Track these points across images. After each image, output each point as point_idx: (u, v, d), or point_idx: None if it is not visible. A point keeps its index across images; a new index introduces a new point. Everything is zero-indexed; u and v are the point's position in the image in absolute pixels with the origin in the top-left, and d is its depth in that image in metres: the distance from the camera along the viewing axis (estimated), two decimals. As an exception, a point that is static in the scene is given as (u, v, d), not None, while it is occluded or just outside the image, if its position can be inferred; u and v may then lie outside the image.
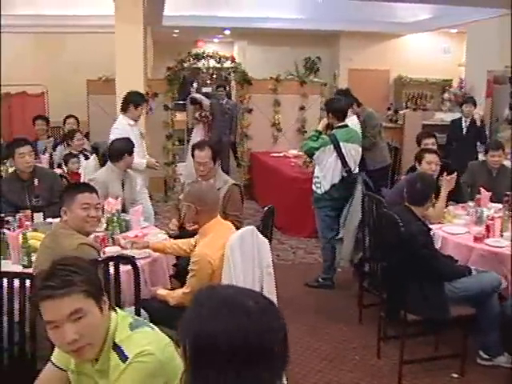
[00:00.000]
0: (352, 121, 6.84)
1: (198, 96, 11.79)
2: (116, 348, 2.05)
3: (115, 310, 2.16)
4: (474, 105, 8.99)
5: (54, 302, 1.95)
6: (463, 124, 8.93)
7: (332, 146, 5.77)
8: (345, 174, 5.82)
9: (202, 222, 3.88)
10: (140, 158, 6.13)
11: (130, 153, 5.43)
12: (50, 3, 10.93)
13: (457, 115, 9.72)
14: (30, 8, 11.30)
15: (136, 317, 2.25)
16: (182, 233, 5.13)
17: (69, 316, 1.95)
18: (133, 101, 6.35)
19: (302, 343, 4.82)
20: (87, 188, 3.67)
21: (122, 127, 6.23)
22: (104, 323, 2.06)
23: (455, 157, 7.85)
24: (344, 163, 5.79)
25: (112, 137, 6.08)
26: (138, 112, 6.37)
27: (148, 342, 2.04)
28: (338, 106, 5.99)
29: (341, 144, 5.76)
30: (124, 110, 6.38)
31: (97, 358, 2.08)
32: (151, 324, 2.19)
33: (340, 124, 5.90)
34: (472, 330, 4.25)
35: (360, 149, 6.02)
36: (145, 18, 7.77)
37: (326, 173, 5.85)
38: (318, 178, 5.95)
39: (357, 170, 5.96)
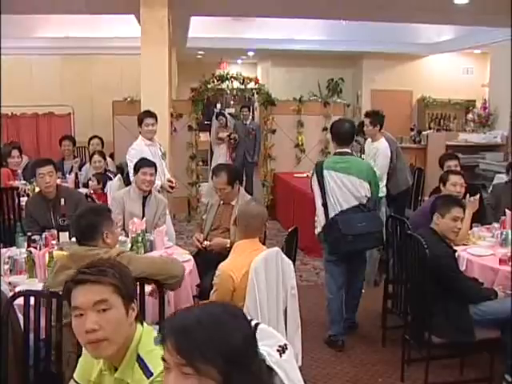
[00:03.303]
0: (380, 143, 6.77)
1: (224, 112, 11.93)
2: (139, 360, 2.06)
3: (142, 323, 2.19)
4: None
5: (84, 288, 2.05)
6: None
7: (315, 176, 5.06)
8: (332, 214, 4.94)
9: (236, 238, 3.98)
10: (157, 179, 6.11)
11: (143, 172, 5.41)
12: (77, 25, 11.10)
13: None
14: (57, 30, 11.50)
15: None
16: (202, 253, 5.23)
17: (94, 304, 2.02)
18: (138, 120, 6.41)
19: (325, 364, 4.79)
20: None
21: (139, 148, 6.25)
22: (127, 327, 2.09)
23: None
24: (323, 196, 4.98)
25: (128, 157, 6.19)
26: (144, 129, 6.34)
27: None
28: (336, 128, 5.21)
29: (324, 172, 4.98)
30: (140, 131, 6.47)
31: (116, 367, 2.10)
32: None
33: (339, 150, 5.12)
34: (498, 353, 4.19)
35: (364, 184, 4.98)
36: (170, 40, 7.86)
37: (319, 210, 5.09)
38: (317, 214, 5.17)
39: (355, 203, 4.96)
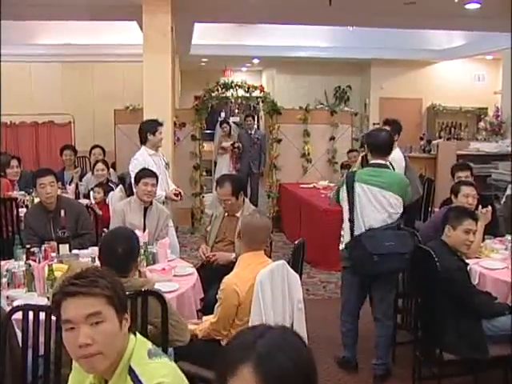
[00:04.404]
0: (394, 154, 6.54)
1: (229, 120, 11.92)
2: (131, 373, 1.99)
3: (135, 334, 2.12)
4: None
5: (75, 300, 1.95)
6: None
7: (345, 187, 4.58)
8: (358, 232, 4.48)
9: (241, 251, 3.91)
10: (160, 189, 5.97)
11: (144, 182, 5.33)
12: (78, 32, 11.09)
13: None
14: (58, 37, 11.49)
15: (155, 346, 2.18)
16: (206, 266, 5.16)
17: (87, 317, 1.94)
18: (148, 129, 6.28)
19: (333, 381, 4.66)
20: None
21: (143, 158, 6.17)
22: (121, 339, 2.03)
23: None
24: (351, 211, 4.52)
25: (130, 168, 6.10)
26: (158, 138, 6.27)
27: (165, 373, 1.98)
28: (372, 138, 4.80)
29: (355, 185, 4.50)
30: (143, 141, 6.32)
31: (106, 380, 2.03)
32: (169, 356, 2.17)
33: (374, 161, 4.66)
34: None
35: (399, 199, 4.50)
36: (173, 47, 7.79)
37: (345, 225, 4.64)
38: (343, 228, 4.73)
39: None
